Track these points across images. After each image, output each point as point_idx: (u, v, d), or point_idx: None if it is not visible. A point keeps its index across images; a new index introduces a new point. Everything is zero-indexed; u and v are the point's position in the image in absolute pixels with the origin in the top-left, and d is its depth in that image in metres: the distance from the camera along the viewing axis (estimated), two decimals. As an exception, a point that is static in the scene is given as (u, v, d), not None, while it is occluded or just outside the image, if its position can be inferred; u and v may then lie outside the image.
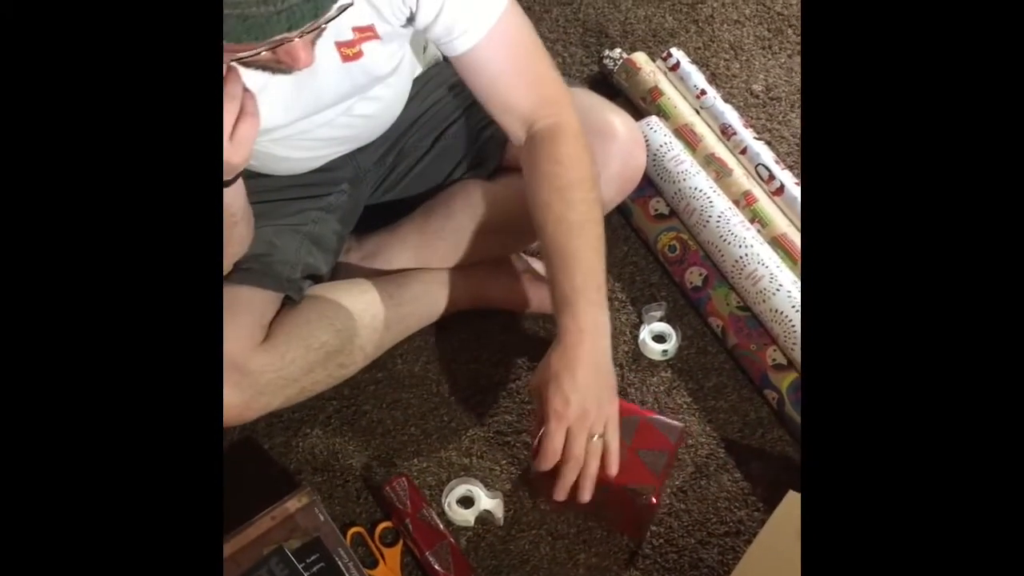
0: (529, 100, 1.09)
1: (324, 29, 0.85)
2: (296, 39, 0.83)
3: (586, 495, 1.06)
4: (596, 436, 1.04)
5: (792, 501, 1.11)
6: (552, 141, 1.09)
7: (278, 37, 0.80)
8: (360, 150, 1.25)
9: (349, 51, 1.03)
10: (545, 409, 1.03)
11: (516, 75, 1.09)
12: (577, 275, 1.05)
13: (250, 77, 0.93)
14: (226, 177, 0.94)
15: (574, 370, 1.03)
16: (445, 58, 1.34)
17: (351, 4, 0.85)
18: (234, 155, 0.90)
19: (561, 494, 1.05)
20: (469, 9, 1.02)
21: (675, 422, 1.15)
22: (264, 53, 0.84)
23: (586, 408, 1.03)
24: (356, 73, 1.06)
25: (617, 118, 1.21)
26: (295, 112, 1.07)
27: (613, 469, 1.06)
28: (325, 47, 1.00)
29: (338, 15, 0.84)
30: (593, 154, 1.11)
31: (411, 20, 1.03)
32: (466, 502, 1.20)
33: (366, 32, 1.03)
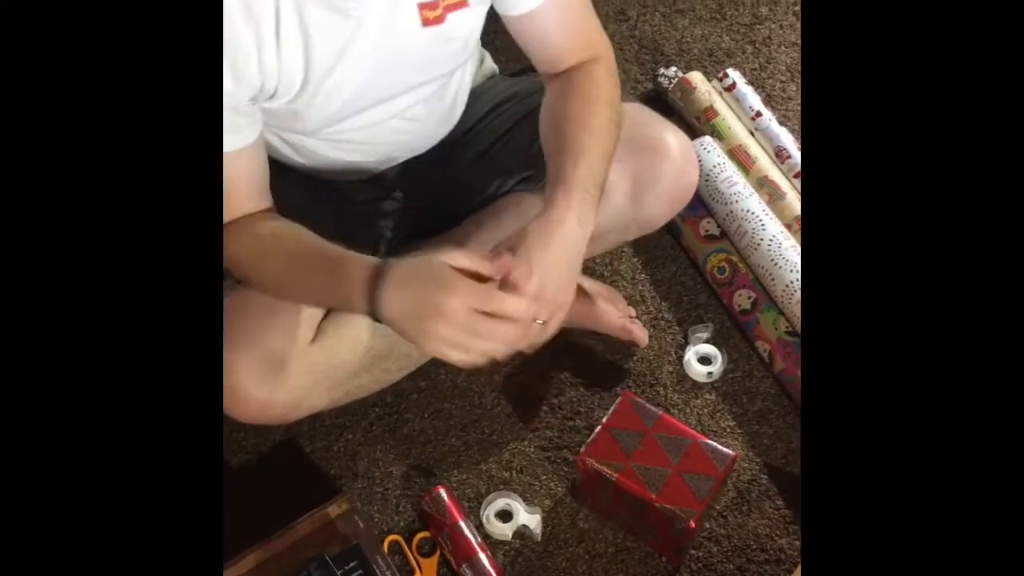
0: (578, 50, 1.12)
1: None
2: None
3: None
4: (539, 320, 0.99)
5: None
6: (587, 68, 1.11)
7: None
8: (414, 159, 1.26)
9: (431, 13, 1.02)
10: (507, 273, 0.97)
11: (572, 31, 1.11)
12: (582, 165, 1.03)
13: (325, 46, 0.96)
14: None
15: (548, 244, 0.99)
16: (498, 72, 1.36)
17: None
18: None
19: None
20: None
21: (727, 450, 1.14)
22: None
23: (543, 288, 0.98)
24: (436, 41, 1.06)
25: (671, 135, 1.21)
26: (369, 84, 1.05)
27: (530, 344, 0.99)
28: (406, 7, 1.00)
29: None
30: (619, 99, 1.12)
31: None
32: (504, 516, 1.20)
33: None
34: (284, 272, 1.04)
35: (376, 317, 0.98)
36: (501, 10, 1.09)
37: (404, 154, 1.24)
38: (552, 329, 1.01)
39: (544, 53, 1.13)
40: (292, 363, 1.11)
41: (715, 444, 1.14)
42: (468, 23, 1.07)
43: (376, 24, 0.99)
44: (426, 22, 1.02)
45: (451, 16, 1.04)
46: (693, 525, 1.08)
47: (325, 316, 1.17)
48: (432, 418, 1.29)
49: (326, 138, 1.12)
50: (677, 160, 1.21)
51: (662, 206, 1.23)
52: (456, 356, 0.94)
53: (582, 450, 1.13)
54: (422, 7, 1.02)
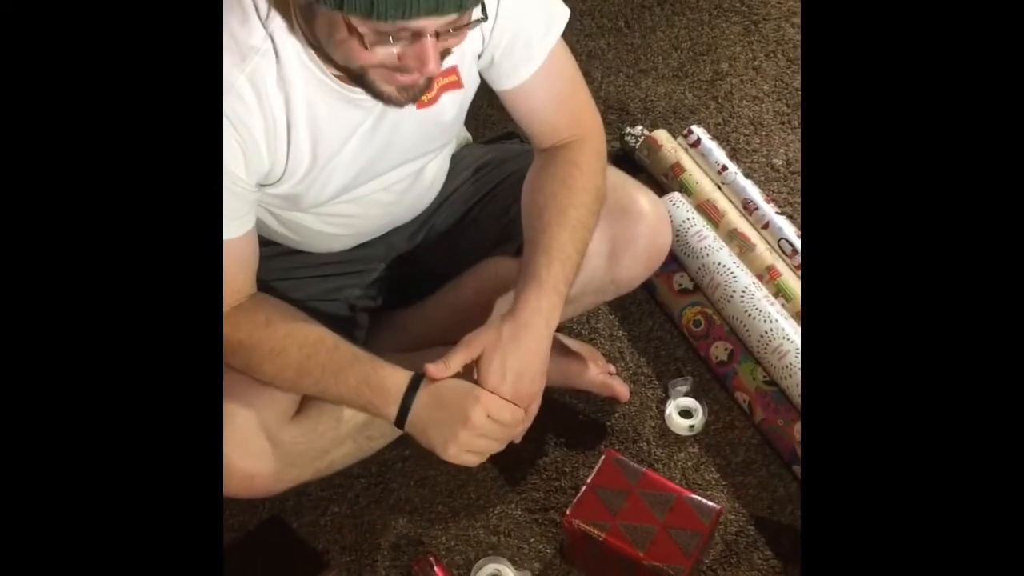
0: (567, 123, 1.14)
1: (457, 40, 0.88)
2: (430, 37, 0.85)
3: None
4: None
5: (825, 581, 1.09)
6: (574, 148, 1.13)
7: (420, 22, 0.83)
8: (395, 229, 1.28)
9: (426, 96, 1.04)
10: (481, 374, 1.04)
11: (562, 101, 1.13)
12: (556, 263, 1.07)
13: (335, 133, 0.99)
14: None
15: (519, 346, 1.04)
16: (472, 140, 1.38)
17: (484, 20, 0.89)
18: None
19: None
20: (530, 39, 1.06)
21: (712, 504, 1.14)
22: (393, 51, 0.86)
23: (517, 389, 1.04)
24: (428, 122, 1.08)
25: (643, 197, 1.23)
26: (361, 167, 1.08)
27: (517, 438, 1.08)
28: None
29: (474, 25, 0.88)
30: (604, 183, 1.14)
31: (480, 56, 1.07)
32: (494, 581, 1.19)
33: (449, 76, 1.06)
34: (303, 370, 1.06)
35: (400, 424, 1.04)
36: (495, 86, 1.11)
37: (388, 225, 1.26)
38: (531, 417, 1.08)
39: (534, 127, 1.15)
40: (276, 435, 1.11)
41: (699, 498, 1.14)
42: (459, 103, 1.10)
43: (378, 111, 1.02)
44: (421, 104, 1.05)
45: (444, 97, 1.07)
46: None
47: None
48: (418, 486, 1.29)
49: (316, 213, 1.14)
50: (651, 221, 1.23)
51: (638, 266, 1.25)
52: (470, 459, 1.04)
53: (568, 511, 1.13)
54: None
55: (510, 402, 1.04)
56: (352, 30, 0.85)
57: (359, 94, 0.97)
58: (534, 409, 1.08)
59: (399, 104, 0.95)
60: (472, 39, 1.03)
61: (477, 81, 1.10)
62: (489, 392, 1.02)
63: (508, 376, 1.03)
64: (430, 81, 0.96)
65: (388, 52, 0.87)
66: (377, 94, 0.94)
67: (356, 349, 1.06)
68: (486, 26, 1.02)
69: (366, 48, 0.86)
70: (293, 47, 0.94)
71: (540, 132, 1.15)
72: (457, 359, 1.04)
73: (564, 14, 1.10)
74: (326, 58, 0.94)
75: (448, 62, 1.03)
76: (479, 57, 1.07)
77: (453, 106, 1.09)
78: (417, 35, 0.85)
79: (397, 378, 1.04)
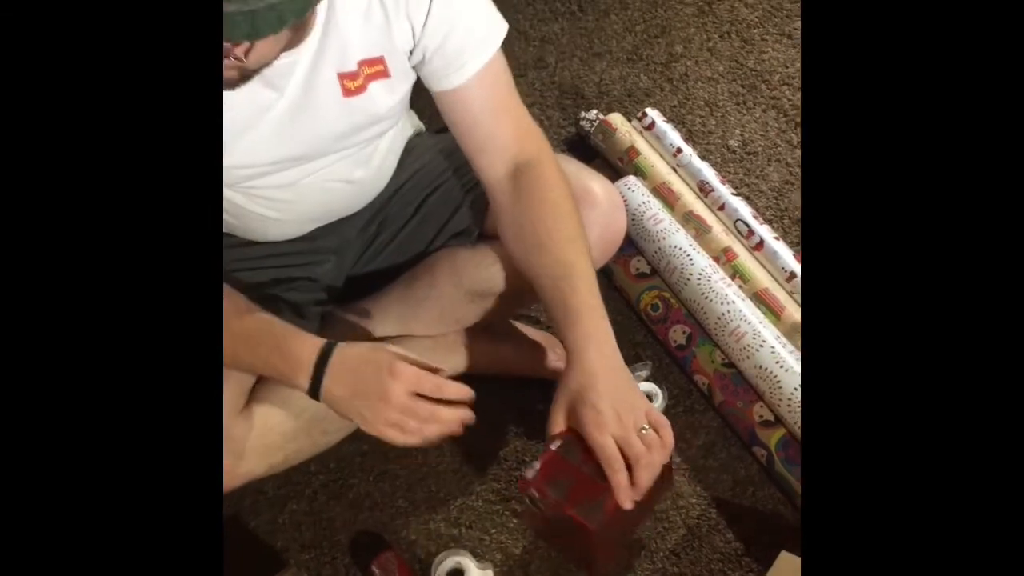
0: (511, 134, 1.12)
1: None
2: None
3: (646, 482, 1.01)
4: (643, 429, 1.02)
5: (786, 561, 1.09)
6: (539, 167, 1.11)
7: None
8: (344, 220, 1.26)
9: (352, 84, 1.04)
10: (584, 431, 1.01)
11: (502, 110, 1.11)
12: (581, 286, 1.06)
13: (242, 108, 0.97)
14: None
15: (595, 382, 1.02)
16: (425, 130, 1.36)
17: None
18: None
19: (638, 494, 1.01)
20: (468, 42, 1.05)
21: None
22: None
23: (618, 411, 1.01)
24: (356, 111, 1.07)
25: (596, 184, 1.22)
26: (286, 149, 1.07)
27: (669, 439, 1.03)
28: (326, 77, 1.02)
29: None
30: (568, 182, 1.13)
31: (412, 52, 1.05)
32: (456, 574, 1.18)
33: (375, 66, 1.04)
34: (225, 343, 1.03)
35: (314, 395, 1.01)
36: (430, 86, 1.10)
37: (334, 215, 1.24)
38: (658, 419, 1.03)
39: (477, 141, 1.11)
40: (225, 430, 1.09)
41: None
42: (390, 94, 1.08)
43: (295, 92, 1.01)
44: (347, 92, 1.03)
45: (373, 86, 1.05)
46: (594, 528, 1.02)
47: (257, 380, 1.16)
48: (377, 481, 1.27)
49: (248, 192, 1.12)
50: (605, 208, 1.22)
51: (594, 254, 1.23)
52: (393, 435, 1.01)
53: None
54: (342, 77, 1.03)
55: (433, 371, 1.02)
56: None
57: (271, 72, 0.96)
58: (657, 416, 1.03)
59: (232, 83, 0.93)
60: (401, 33, 1.02)
61: (411, 74, 1.08)
62: (404, 363, 1.00)
63: (601, 407, 1.00)
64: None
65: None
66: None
67: (270, 317, 1.05)
68: (416, 21, 1.02)
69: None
70: None
71: (486, 148, 1.11)
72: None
73: (503, 26, 1.08)
74: None
75: (373, 52, 1.03)
76: (411, 53, 1.05)
77: (384, 97, 1.08)
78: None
79: (308, 347, 1.02)
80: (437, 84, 1.09)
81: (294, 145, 1.07)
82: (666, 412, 1.32)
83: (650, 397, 1.33)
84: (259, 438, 1.12)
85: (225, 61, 0.89)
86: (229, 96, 0.96)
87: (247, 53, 0.88)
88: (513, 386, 1.33)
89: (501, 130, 1.11)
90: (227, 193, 1.13)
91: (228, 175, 1.07)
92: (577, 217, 1.11)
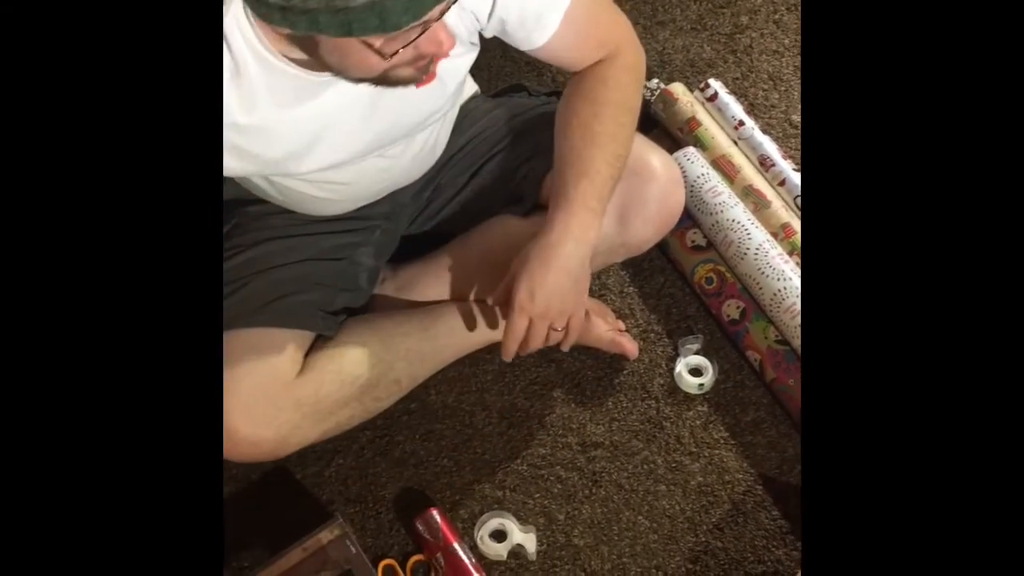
0: (597, 53, 1.13)
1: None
2: (437, 16, 0.84)
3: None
4: (557, 328, 1.12)
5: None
6: (602, 66, 1.12)
7: (429, 15, 0.82)
8: (398, 188, 1.26)
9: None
10: (512, 297, 1.08)
11: (585, 41, 1.11)
12: (583, 180, 1.07)
13: (328, 107, 0.97)
14: None
15: (547, 268, 1.06)
16: (480, 92, 1.35)
17: None
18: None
19: (507, 356, 1.14)
20: (540, 9, 1.04)
21: None
22: (409, 50, 0.85)
23: (549, 306, 1.08)
24: (434, 96, 1.07)
25: (656, 158, 1.21)
26: (363, 143, 1.07)
27: (564, 347, 1.17)
28: None
29: None
30: (641, 88, 1.15)
31: (481, 36, 1.05)
32: (499, 536, 1.19)
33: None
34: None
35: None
36: (522, 47, 1.09)
37: (387, 189, 1.24)
38: (573, 334, 1.15)
39: (564, 64, 1.15)
40: (278, 399, 1.10)
41: None
42: (459, 69, 1.08)
43: (375, 93, 0.99)
44: (419, 84, 1.03)
45: (440, 67, 1.04)
46: None
47: (309, 351, 1.17)
48: (423, 439, 1.28)
49: (313, 180, 1.12)
50: (663, 183, 1.20)
51: (650, 229, 1.23)
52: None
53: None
54: None
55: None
56: (367, 47, 0.85)
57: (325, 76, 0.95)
58: (576, 323, 1.13)
59: (418, 81, 0.94)
60: (475, 8, 1.01)
61: (477, 45, 1.07)
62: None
63: (537, 295, 1.06)
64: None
65: (406, 51, 0.86)
66: (398, 83, 0.93)
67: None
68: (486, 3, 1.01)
69: (385, 58, 0.86)
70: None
71: (572, 66, 1.15)
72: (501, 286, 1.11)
73: None
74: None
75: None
76: (488, 22, 1.04)
77: (454, 73, 1.07)
78: (427, 24, 0.84)
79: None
80: (522, 47, 1.09)
81: (371, 137, 1.07)
82: (715, 387, 1.31)
83: (699, 371, 1.32)
84: (311, 407, 1.13)
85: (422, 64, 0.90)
86: (321, 99, 0.97)
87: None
88: (560, 352, 1.32)
89: (586, 54, 1.13)
90: (287, 182, 1.13)
91: (301, 173, 1.07)
92: (617, 119, 1.11)
